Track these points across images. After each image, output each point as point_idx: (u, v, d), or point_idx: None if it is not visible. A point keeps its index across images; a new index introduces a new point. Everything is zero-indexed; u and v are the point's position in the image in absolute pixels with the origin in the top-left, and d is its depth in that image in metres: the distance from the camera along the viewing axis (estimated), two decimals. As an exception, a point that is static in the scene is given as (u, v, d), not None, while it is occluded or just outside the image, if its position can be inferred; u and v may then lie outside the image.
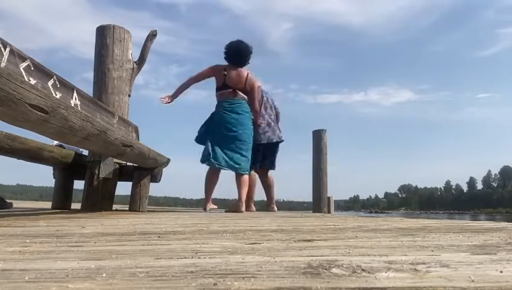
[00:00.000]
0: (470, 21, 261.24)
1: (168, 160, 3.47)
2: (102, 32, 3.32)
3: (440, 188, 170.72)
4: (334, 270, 0.53)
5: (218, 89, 3.79)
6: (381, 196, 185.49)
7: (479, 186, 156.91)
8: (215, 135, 3.66)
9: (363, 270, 0.53)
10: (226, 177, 3.98)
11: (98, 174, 3.04)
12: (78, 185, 3.40)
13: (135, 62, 3.49)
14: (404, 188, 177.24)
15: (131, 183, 3.26)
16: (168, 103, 3.73)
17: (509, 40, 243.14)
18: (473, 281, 0.48)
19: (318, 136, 5.77)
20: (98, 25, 3.38)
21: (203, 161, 3.64)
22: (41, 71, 2.05)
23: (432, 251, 0.76)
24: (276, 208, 4.51)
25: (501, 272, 0.54)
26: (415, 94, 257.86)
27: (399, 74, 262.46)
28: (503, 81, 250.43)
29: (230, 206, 3.99)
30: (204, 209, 3.77)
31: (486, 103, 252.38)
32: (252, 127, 3.85)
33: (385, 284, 0.45)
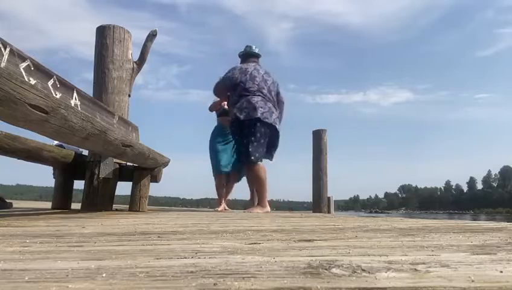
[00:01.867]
0: (469, 21, 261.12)
1: (168, 160, 3.47)
2: (102, 33, 3.32)
3: (440, 188, 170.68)
4: (334, 270, 0.53)
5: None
6: (381, 196, 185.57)
7: (479, 186, 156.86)
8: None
9: (363, 270, 0.53)
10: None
11: (98, 174, 3.04)
12: (78, 185, 3.40)
13: (135, 62, 3.49)
14: (404, 188, 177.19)
15: (131, 183, 3.26)
16: None
17: (508, 40, 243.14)
18: (473, 281, 0.48)
19: (318, 136, 5.77)
20: (98, 25, 3.39)
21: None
22: (41, 71, 2.05)
23: (432, 251, 0.76)
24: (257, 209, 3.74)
25: (501, 272, 0.54)
26: (414, 94, 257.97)
27: (398, 74, 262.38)
28: (503, 81, 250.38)
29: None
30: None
31: (485, 103, 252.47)
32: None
33: (385, 284, 0.45)
